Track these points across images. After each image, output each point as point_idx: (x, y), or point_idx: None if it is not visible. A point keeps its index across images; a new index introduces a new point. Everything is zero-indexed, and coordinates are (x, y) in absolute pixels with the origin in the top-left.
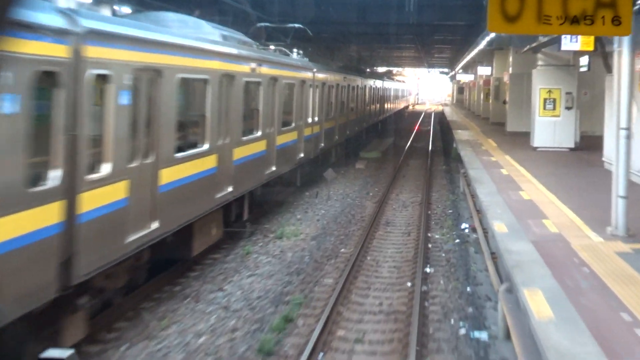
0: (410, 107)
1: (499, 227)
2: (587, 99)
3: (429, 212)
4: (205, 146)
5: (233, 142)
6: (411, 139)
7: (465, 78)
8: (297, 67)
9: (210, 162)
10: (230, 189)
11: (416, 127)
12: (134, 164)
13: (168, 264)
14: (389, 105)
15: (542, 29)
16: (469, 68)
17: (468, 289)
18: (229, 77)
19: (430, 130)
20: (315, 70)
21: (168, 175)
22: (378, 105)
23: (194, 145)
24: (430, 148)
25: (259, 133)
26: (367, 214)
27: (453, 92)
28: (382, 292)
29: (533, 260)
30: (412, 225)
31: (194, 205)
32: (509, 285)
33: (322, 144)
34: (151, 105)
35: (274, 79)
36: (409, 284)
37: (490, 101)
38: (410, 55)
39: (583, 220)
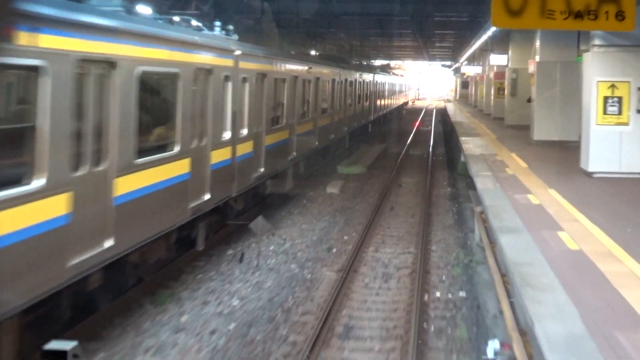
0: (410, 103)
1: None
2: None
3: (426, 295)
4: None
5: None
6: (408, 143)
7: (472, 70)
8: (187, 44)
9: None
10: None
11: (414, 129)
12: None
13: None
14: (382, 102)
15: (545, 24)
16: (475, 59)
17: None
18: None
19: (430, 130)
20: (239, 53)
21: None
22: (367, 104)
23: None
24: (430, 157)
25: (40, 181)
26: (317, 302)
27: (456, 87)
28: None
29: None
30: (394, 339)
31: None
32: None
33: (262, 169)
34: None
35: (107, 64)
36: None
37: (506, 98)
38: (409, 45)
39: None
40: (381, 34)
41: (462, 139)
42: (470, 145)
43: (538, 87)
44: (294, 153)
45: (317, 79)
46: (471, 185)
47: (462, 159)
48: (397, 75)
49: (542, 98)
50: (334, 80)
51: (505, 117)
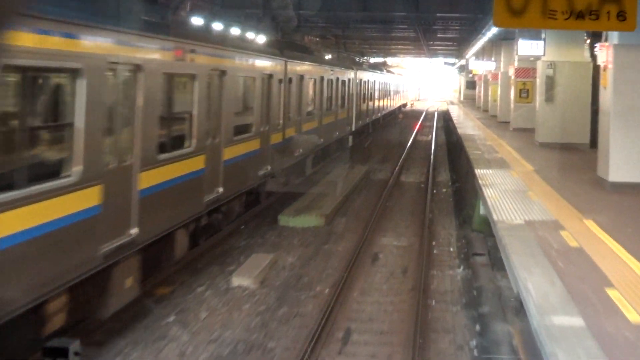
0: (409, 105)
1: None
2: None
3: None
4: None
5: None
6: (399, 164)
7: (482, 67)
8: None
9: None
10: None
11: (410, 140)
12: None
13: None
14: (370, 106)
15: (547, 24)
16: (486, 53)
17: None
18: None
19: (431, 142)
20: None
21: None
22: (344, 110)
23: None
24: (429, 190)
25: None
26: None
27: (460, 87)
28: None
29: None
30: None
31: None
32: None
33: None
34: None
35: None
36: None
37: (538, 104)
38: (406, 37)
39: None
40: (370, 18)
41: (479, 172)
42: (496, 190)
43: (616, 89)
44: (150, 224)
45: (222, 73)
46: (498, 261)
47: (481, 210)
48: (392, 73)
49: (623, 107)
50: (270, 77)
51: (537, 131)
